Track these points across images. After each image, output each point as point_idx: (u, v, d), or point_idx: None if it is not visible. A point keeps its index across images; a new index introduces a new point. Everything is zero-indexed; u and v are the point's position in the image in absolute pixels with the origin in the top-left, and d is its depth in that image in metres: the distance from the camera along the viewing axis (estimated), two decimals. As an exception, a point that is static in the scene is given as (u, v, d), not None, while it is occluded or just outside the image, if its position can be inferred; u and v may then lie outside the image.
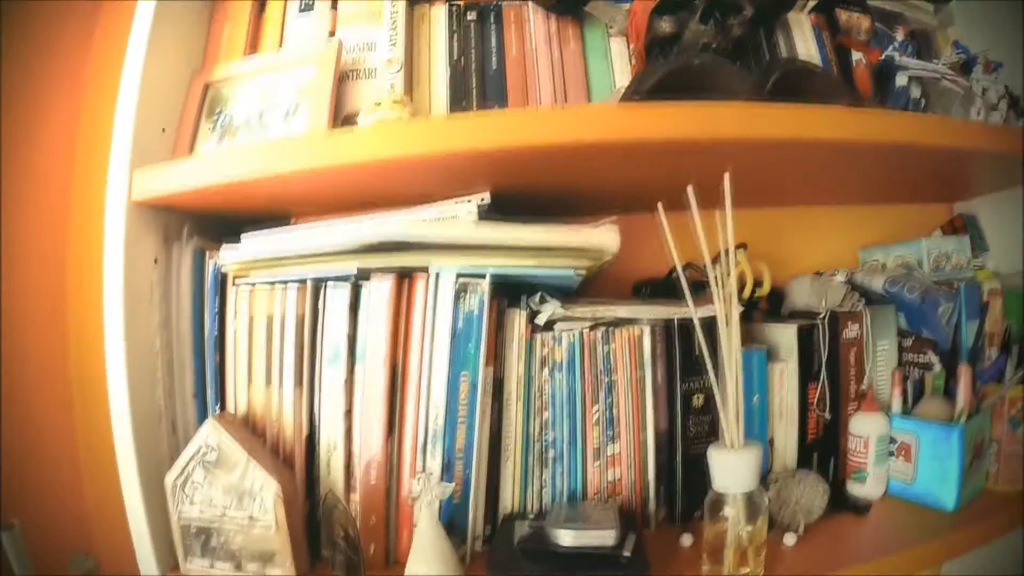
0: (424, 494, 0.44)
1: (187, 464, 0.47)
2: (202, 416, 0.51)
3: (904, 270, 0.59)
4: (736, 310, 0.44)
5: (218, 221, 0.53)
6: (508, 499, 0.49)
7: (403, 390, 0.46)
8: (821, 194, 0.65)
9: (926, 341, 0.59)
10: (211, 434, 0.46)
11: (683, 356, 0.49)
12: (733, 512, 0.43)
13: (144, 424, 0.48)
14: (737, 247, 0.54)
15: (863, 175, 0.59)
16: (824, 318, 0.54)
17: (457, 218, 0.43)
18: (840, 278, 0.58)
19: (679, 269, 0.44)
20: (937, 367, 0.58)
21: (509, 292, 0.49)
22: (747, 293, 0.56)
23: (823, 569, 0.45)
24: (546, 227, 0.41)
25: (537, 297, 0.49)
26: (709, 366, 0.43)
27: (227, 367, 0.49)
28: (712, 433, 0.51)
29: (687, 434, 0.50)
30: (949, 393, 0.57)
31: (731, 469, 0.42)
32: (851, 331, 0.55)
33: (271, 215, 0.52)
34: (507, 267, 0.43)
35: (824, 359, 0.54)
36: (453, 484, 0.45)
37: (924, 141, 0.47)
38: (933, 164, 0.55)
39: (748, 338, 0.56)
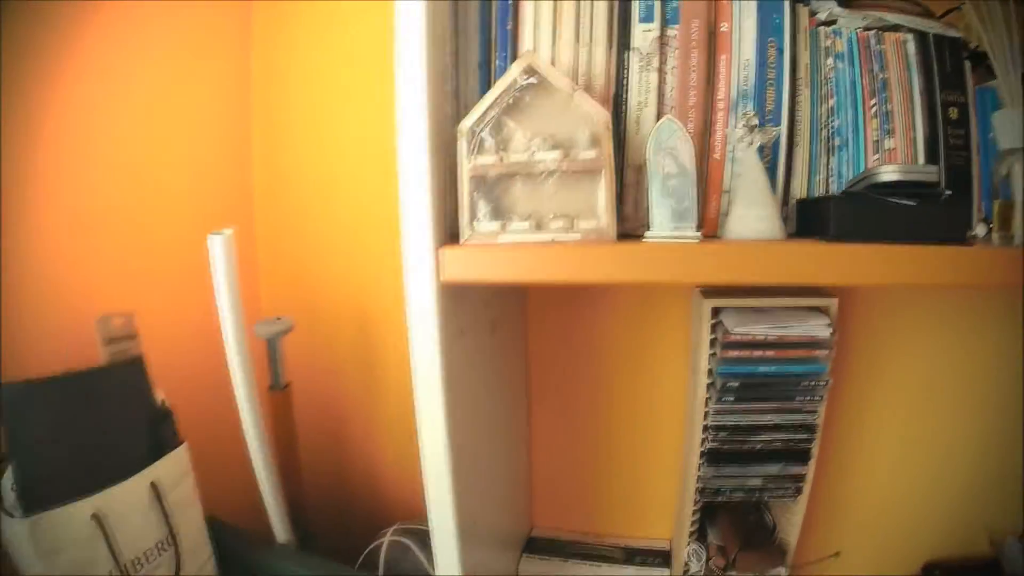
0: (749, 135, 0.56)
1: (491, 106, 0.55)
2: (484, 87, 0.60)
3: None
4: None
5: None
6: (797, 189, 0.62)
7: (716, 49, 0.59)
8: None
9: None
10: (528, 64, 0.55)
11: (939, 67, 0.67)
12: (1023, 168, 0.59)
13: (434, 80, 0.56)
14: None
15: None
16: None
17: None
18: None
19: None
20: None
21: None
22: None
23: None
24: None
25: (813, -2, 0.66)
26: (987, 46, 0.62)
27: (521, 31, 0.59)
28: (966, 147, 0.68)
29: (947, 143, 0.67)
30: None
31: (1019, 124, 0.59)
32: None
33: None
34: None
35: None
36: (777, 128, 0.58)
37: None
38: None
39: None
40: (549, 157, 0.54)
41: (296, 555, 0.73)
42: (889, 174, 0.55)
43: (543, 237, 0.54)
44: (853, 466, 0.82)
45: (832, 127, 0.63)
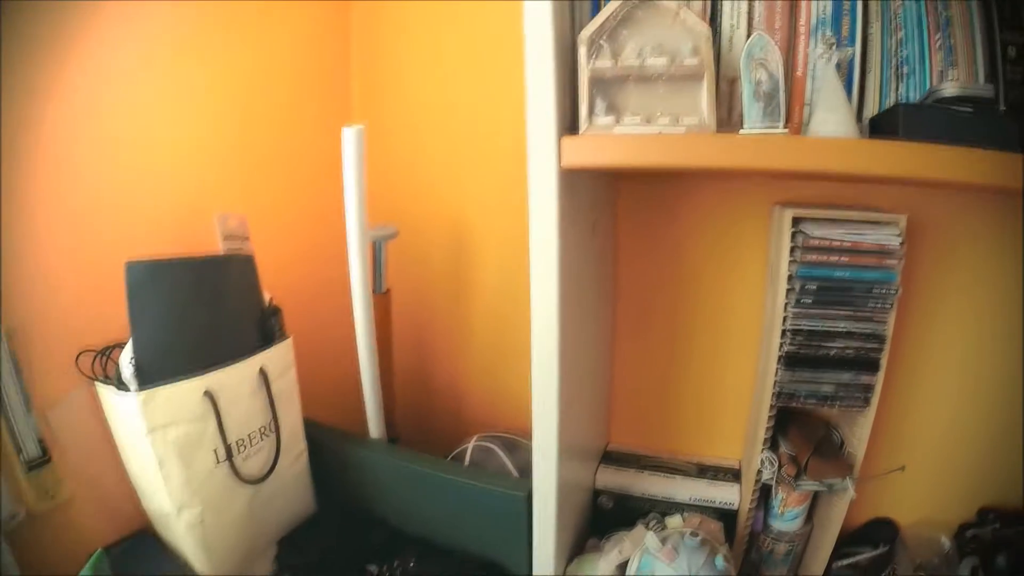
0: (828, 51, 0.70)
1: (607, 19, 0.69)
2: (595, 7, 0.74)
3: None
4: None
5: None
6: (869, 111, 0.76)
7: (797, -17, 0.74)
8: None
9: None
10: (642, -13, 0.69)
11: (998, 10, 0.82)
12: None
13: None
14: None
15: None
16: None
17: None
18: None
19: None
20: None
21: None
22: None
23: None
24: None
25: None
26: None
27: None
28: (1023, 83, 0.82)
29: (1006, 77, 0.80)
30: None
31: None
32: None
33: None
34: None
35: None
36: (852, 47, 0.72)
37: None
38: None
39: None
40: (658, 62, 0.68)
41: (389, 448, 0.84)
42: (951, 89, 0.70)
43: (652, 129, 0.68)
44: (919, 390, 0.94)
45: (901, 56, 0.77)
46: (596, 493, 0.93)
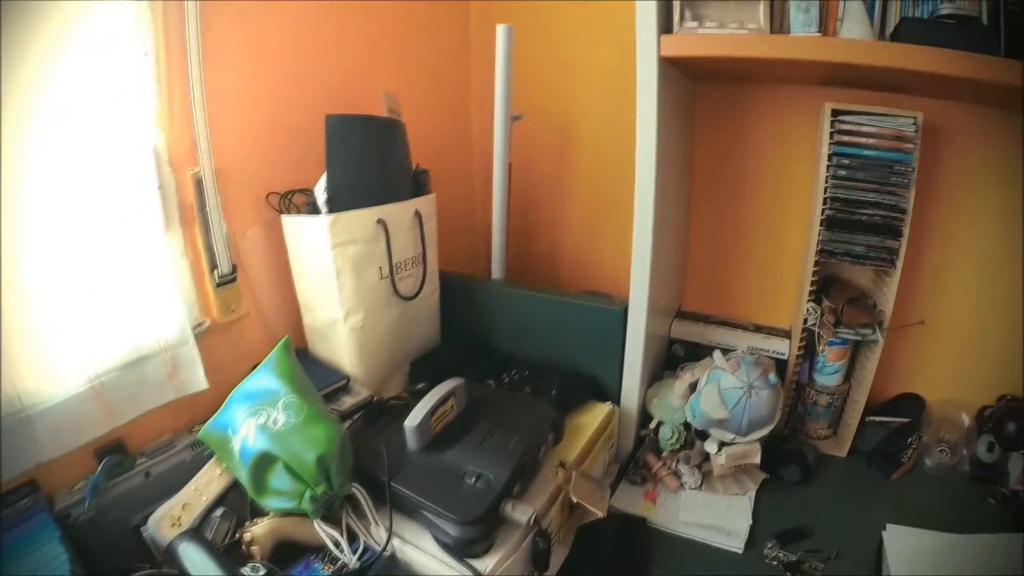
0: (858, -15, 1.12)
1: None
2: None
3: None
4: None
5: None
6: (891, 26, 1.17)
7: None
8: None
9: None
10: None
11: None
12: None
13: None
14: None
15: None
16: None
17: None
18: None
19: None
20: None
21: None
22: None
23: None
24: None
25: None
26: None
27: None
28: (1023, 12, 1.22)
29: (1007, 7, 1.21)
30: None
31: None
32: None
33: None
34: None
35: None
36: None
37: None
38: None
39: None
40: (736, -13, 1.11)
41: (510, 285, 1.23)
42: (944, 8, 1.10)
43: (724, 31, 1.10)
44: (942, 272, 1.33)
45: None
46: (670, 343, 1.30)
